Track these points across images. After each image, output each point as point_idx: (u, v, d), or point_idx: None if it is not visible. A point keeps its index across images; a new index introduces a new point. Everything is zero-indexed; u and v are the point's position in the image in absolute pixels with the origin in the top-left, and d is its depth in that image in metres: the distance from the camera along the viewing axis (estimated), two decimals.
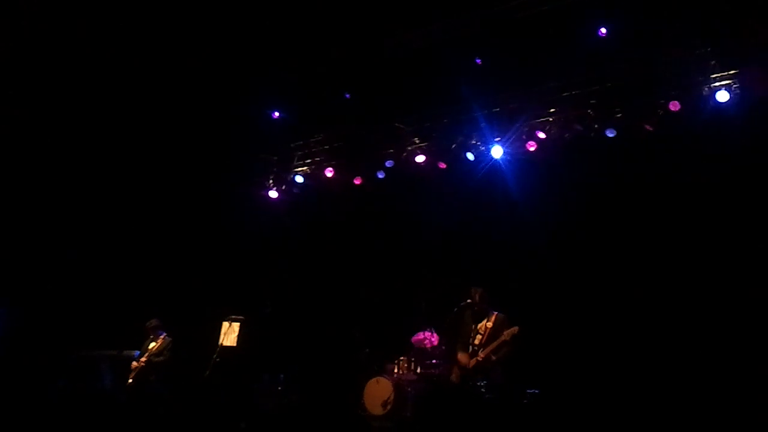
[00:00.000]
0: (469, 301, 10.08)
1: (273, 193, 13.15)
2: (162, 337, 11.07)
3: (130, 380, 10.70)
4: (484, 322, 9.51)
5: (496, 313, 9.50)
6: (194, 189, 13.06)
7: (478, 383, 9.23)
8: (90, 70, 11.19)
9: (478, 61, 10.33)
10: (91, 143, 12.24)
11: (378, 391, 10.71)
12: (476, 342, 9.44)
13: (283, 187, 13.18)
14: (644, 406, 9.11)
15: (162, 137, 12.48)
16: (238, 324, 10.99)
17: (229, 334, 10.95)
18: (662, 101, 9.75)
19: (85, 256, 12.43)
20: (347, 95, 11.53)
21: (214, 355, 10.66)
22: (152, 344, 10.98)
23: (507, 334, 9.08)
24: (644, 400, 9.18)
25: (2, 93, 11.04)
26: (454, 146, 11.48)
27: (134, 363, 10.81)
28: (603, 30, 9.43)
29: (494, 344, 9.17)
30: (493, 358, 9.14)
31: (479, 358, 9.28)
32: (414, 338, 11.01)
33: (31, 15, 10.17)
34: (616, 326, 9.97)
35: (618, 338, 9.87)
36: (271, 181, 13.18)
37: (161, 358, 10.86)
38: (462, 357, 9.54)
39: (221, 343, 10.83)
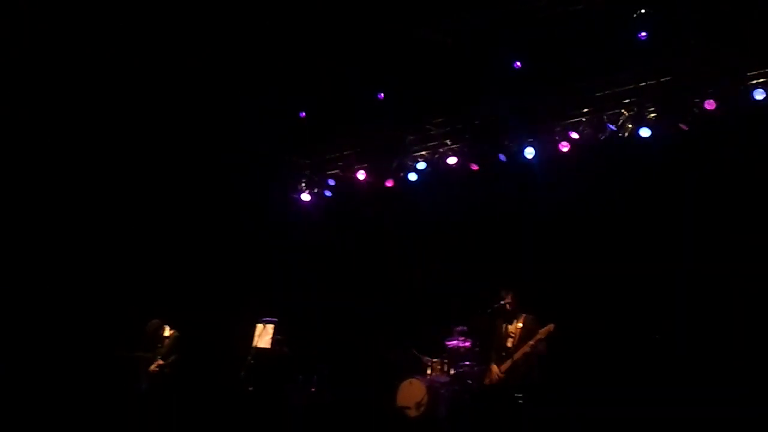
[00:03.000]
0: (502, 302, 10.08)
1: (305, 196, 13.23)
2: (167, 336, 10.82)
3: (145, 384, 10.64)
4: (515, 323, 9.51)
5: (524, 314, 9.48)
6: (226, 193, 13.17)
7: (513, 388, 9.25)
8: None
9: (517, 65, 10.26)
10: (121, 146, 12.34)
11: (411, 393, 10.74)
12: (509, 344, 9.45)
13: (315, 190, 13.25)
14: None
15: (193, 140, 12.58)
16: (272, 326, 11.02)
17: (263, 336, 10.98)
18: (697, 100, 9.65)
19: (118, 259, 12.55)
20: (380, 95, 11.51)
21: (249, 357, 10.73)
22: (159, 346, 10.87)
23: (543, 332, 9.08)
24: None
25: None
26: (486, 147, 11.44)
27: (152, 367, 10.73)
28: (643, 34, 9.31)
29: (530, 342, 9.15)
30: (530, 351, 9.13)
31: (515, 359, 9.26)
32: (447, 342, 11.02)
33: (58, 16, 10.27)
34: (647, 329, 9.93)
35: (647, 342, 9.83)
36: (303, 184, 13.26)
37: (174, 356, 10.63)
38: (496, 360, 9.53)
39: (255, 345, 10.88)
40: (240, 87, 11.93)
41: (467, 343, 10.89)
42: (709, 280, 9.80)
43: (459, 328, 11.08)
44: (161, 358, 10.60)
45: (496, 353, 9.60)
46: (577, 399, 9.37)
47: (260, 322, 11.04)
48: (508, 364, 9.35)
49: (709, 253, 9.79)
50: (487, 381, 9.68)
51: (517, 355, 9.29)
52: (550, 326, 9.05)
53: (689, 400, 8.90)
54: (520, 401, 9.17)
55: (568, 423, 9.38)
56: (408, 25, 10.44)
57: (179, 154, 12.63)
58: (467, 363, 10.74)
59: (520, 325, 9.40)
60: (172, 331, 10.82)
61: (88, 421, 10.74)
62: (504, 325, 9.61)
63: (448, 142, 11.90)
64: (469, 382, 10.50)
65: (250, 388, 10.60)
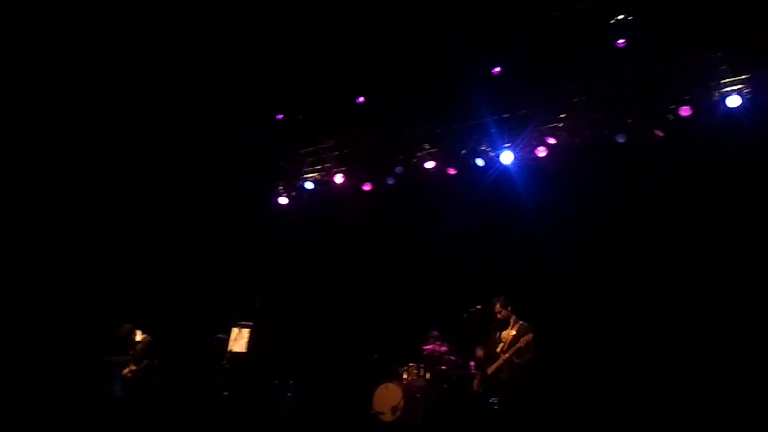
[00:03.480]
0: (479, 306, 10.14)
1: (283, 200, 13.18)
2: (139, 340, 10.70)
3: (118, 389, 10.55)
4: (508, 330, 9.47)
5: (520, 322, 9.44)
6: (204, 195, 13.10)
7: (491, 400, 9.31)
8: (93, 71, 11.20)
9: (496, 71, 10.28)
10: (102, 148, 12.26)
11: (388, 397, 10.71)
12: (498, 350, 9.43)
13: (293, 193, 13.20)
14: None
15: (171, 141, 12.51)
16: (247, 330, 10.96)
17: (239, 340, 10.92)
18: (673, 107, 9.70)
19: (93, 259, 12.45)
20: (359, 100, 11.50)
21: (224, 362, 10.66)
22: (131, 351, 10.77)
23: (522, 341, 9.11)
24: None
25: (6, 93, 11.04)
26: (463, 152, 11.45)
27: (124, 372, 10.63)
28: (621, 41, 9.36)
29: (512, 350, 9.16)
30: (516, 361, 9.13)
31: (499, 364, 9.25)
32: (425, 346, 11.01)
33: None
34: (627, 331, 9.94)
35: (631, 344, 9.83)
36: (281, 188, 13.21)
37: (146, 361, 10.52)
38: (486, 366, 9.52)
39: (230, 350, 10.82)
40: (219, 91, 11.91)
41: (443, 348, 10.89)
42: None
43: (435, 333, 11.08)
44: (133, 363, 10.51)
45: (487, 359, 9.60)
46: (563, 407, 9.37)
47: (236, 326, 10.98)
48: (494, 366, 9.35)
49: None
50: (474, 385, 9.66)
51: (499, 361, 9.29)
52: (529, 336, 9.08)
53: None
54: (495, 407, 9.16)
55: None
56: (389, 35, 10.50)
57: (159, 158, 12.57)
58: (443, 367, 10.73)
59: (513, 332, 9.37)
60: (144, 336, 10.73)
61: (62, 425, 10.61)
62: (498, 332, 9.58)
63: (426, 146, 11.87)
64: (445, 386, 10.48)
65: (225, 393, 10.52)
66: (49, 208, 12.03)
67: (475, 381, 9.67)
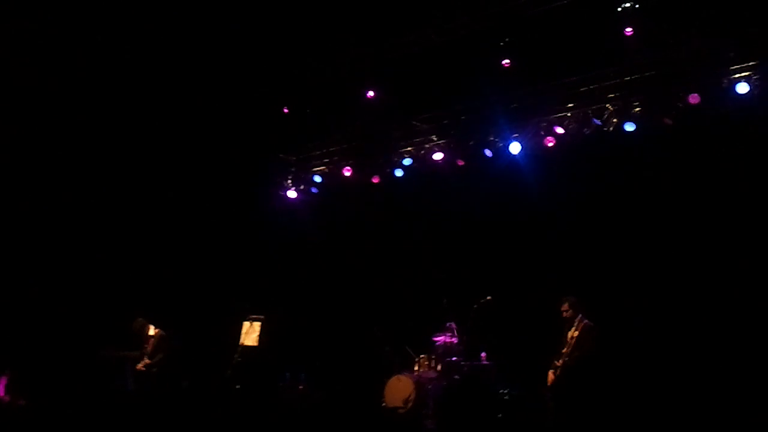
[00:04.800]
0: (489, 298, 10.13)
1: (292, 193, 13.21)
2: (152, 335, 10.85)
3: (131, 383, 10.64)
4: (572, 330, 9.32)
5: (585, 321, 9.24)
6: (213, 190, 13.14)
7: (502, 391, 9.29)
8: (99, 70, 11.27)
9: (506, 63, 10.24)
10: (115, 145, 12.32)
11: (399, 389, 10.73)
12: (564, 351, 9.31)
13: (302, 187, 13.22)
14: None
15: (180, 137, 12.54)
16: (258, 323, 11.00)
17: (250, 334, 10.96)
18: (681, 94, 9.66)
19: (105, 257, 12.51)
20: (367, 93, 11.49)
21: (235, 355, 10.71)
22: (145, 345, 10.81)
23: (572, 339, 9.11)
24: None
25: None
26: (471, 143, 11.45)
27: (138, 366, 10.73)
28: (629, 29, 9.31)
29: (569, 350, 9.14)
30: (568, 360, 9.11)
31: (562, 364, 9.23)
32: (435, 338, 11.02)
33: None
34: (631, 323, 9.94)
35: (633, 335, 9.83)
36: (289, 181, 13.23)
37: (159, 355, 10.68)
38: (553, 365, 9.43)
39: (242, 343, 10.86)
40: (226, 85, 11.93)
41: (454, 339, 10.89)
42: None
43: (447, 324, 11.08)
44: (147, 357, 10.60)
45: (556, 358, 9.51)
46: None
47: (247, 320, 11.02)
48: (559, 368, 9.30)
49: None
50: (548, 384, 9.52)
51: (560, 362, 9.28)
52: (580, 335, 9.00)
53: None
54: (506, 397, 9.15)
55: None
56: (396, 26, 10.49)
57: (164, 154, 12.60)
58: (455, 359, 10.74)
59: (576, 333, 9.22)
60: (156, 330, 10.81)
61: (75, 420, 10.68)
62: (567, 332, 9.42)
63: (434, 138, 11.87)
64: (457, 377, 10.49)
65: (237, 386, 10.57)
66: (63, 204, 12.08)
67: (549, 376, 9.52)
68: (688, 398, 9.08)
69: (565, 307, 9.38)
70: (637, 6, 9.31)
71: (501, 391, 9.55)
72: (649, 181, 10.45)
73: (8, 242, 11.71)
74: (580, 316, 9.27)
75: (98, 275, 12.17)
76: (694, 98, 9.53)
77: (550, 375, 9.36)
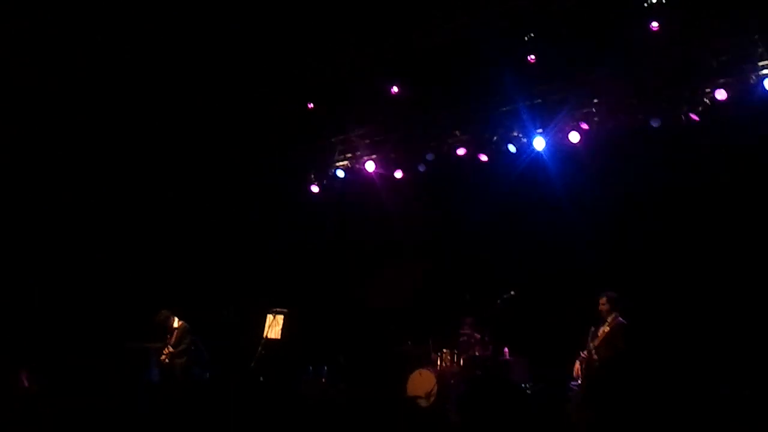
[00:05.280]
0: (512, 293, 10.13)
1: (314, 188, 13.25)
2: (177, 327, 11.01)
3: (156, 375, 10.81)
4: (605, 325, 9.20)
5: (619, 319, 9.13)
6: (236, 184, 13.22)
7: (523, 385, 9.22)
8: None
9: (531, 58, 10.21)
10: (132, 143, 12.42)
11: (421, 383, 10.78)
12: (592, 345, 9.18)
13: (324, 181, 13.26)
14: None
15: (202, 132, 12.62)
16: (282, 316, 11.04)
17: (274, 327, 11.00)
18: (708, 90, 9.60)
19: (128, 252, 12.64)
20: (392, 90, 11.49)
21: (259, 348, 10.77)
22: (169, 336, 10.98)
23: (602, 336, 9.05)
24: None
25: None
26: (495, 138, 11.41)
27: (161, 357, 10.89)
28: (655, 24, 9.26)
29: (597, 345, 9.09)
30: (595, 357, 9.02)
31: (590, 358, 9.14)
32: (459, 332, 11.05)
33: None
34: (659, 324, 9.87)
35: (661, 337, 9.76)
36: (312, 175, 13.28)
37: (183, 346, 10.85)
38: (581, 359, 9.33)
39: (266, 336, 10.91)
40: (248, 82, 11.98)
41: (477, 335, 10.91)
42: None
43: (469, 319, 11.10)
44: (171, 348, 10.73)
45: (581, 349, 9.41)
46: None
47: (270, 313, 11.07)
48: (585, 362, 9.22)
49: None
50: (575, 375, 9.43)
51: (585, 353, 9.19)
52: (611, 332, 8.92)
53: None
54: (528, 391, 9.14)
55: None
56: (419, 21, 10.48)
57: (187, 149, 12.69)
58: (477, 354, 10.76)
59: (608, 329, 9.12)
60: (180, 322, 10.93)
61: (100, 411, 10.80)
62: (600, 326, 9.31)
63: (457, 133, 11.86)
64: (479, 372, 10.51)
65: (261, 379, 10.65)
66: (86, 201, 12.22)
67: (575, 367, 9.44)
68: (717, 404, 8.99)
69: (603, 300, 9.24)
70: (664, 1, 9.25)
71: (524, 385, 9.51)
72: (674, 178, 10.39)
73: (33, 238, 11.85)
74: (614, 313, 9.14)
75: (124, 270, 12.30)
76: (720, 94, 9.46)
77: (576, 365, 9.29)
